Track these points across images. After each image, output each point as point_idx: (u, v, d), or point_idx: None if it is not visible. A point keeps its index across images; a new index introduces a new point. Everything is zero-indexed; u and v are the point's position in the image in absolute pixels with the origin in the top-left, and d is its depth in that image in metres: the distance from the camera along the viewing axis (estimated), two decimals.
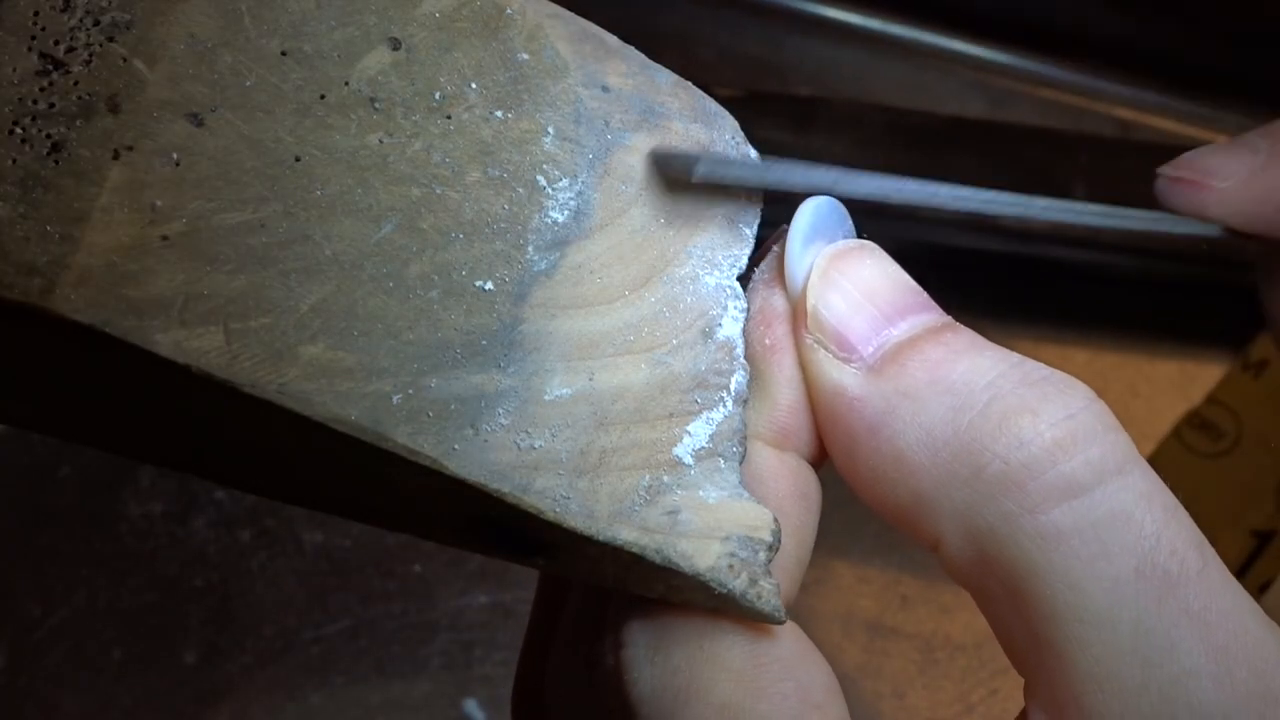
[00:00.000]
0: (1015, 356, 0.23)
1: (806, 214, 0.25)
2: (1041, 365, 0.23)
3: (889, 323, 0.24)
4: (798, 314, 0.25)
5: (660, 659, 0.23)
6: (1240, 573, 0.52)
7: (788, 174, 0.25)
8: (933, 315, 0.24)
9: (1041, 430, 0.22)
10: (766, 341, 0.25)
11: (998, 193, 0.26)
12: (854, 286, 0.24)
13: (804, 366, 0.25)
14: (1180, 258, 0.60)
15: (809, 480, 0.25)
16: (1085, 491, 0.22)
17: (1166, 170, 0.33)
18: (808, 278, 0.25)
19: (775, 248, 0.26)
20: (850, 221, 0.26)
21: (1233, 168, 0.32)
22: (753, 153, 0.26)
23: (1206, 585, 0.21)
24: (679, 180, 0.25)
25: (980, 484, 0.22)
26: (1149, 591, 0.21)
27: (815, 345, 0.24)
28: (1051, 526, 0.22)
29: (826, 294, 0.24)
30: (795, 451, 0.25)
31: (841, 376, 0.24)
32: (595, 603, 0.25)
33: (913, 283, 0.25)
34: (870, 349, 0.24)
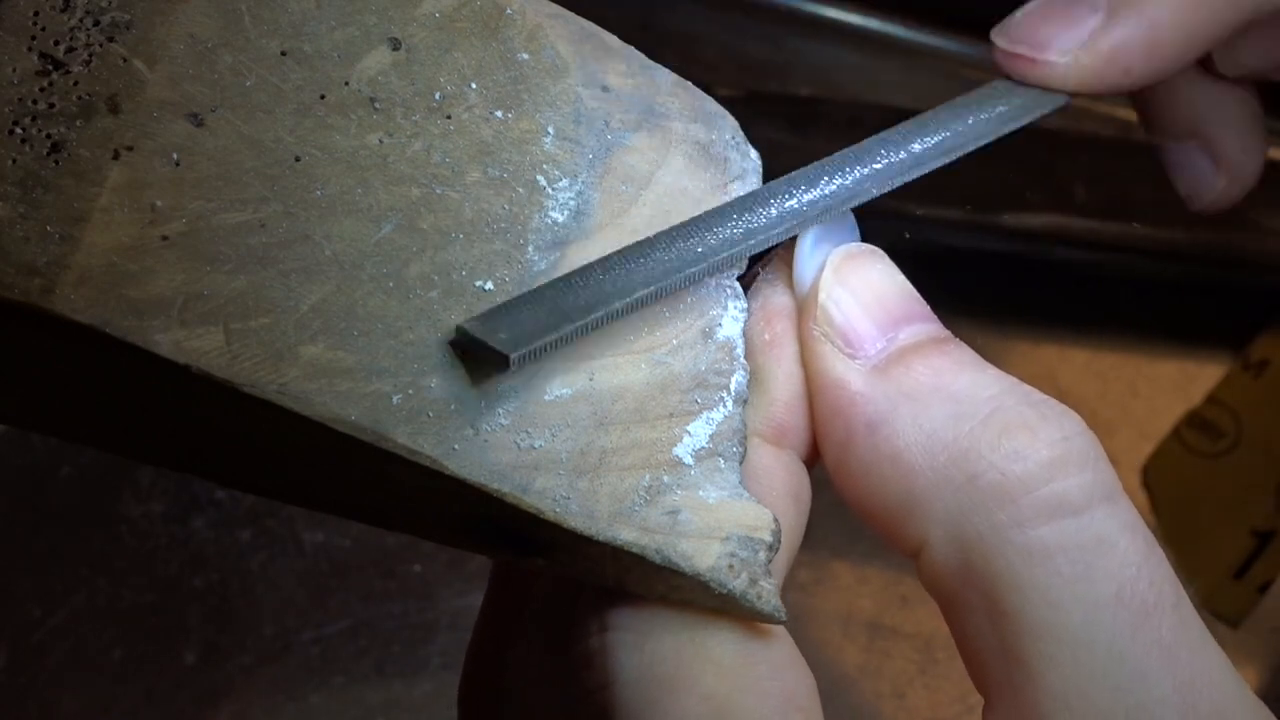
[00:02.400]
0: (1011, 378, 0.24)
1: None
2: (1036, 390, 0.24)
3: (895, 326, 0.24)
4: (804, 309, 0.25)
5: (650, 646, 0.23)
6: (1240, 573, 0.52)
7: (597, 300, 0.22)
8: (935, 326, 0.25)
9: (1039, 447, 0.22)
10: (766, 337, 0.25)
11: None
12: (865, 287, 0.25)
13: (807, 359, 0.25)
14: (1181, 258, 0.60)
15: (802, 480, 0.25)
16: (1075, 513, 0.22)
17: (1000, 43, 0.31)
18: (818, 275, 0.25)
19: (780, 250, 0.26)
20: (857, 228, 0.27)
21: (1070, 36, 0.30)
22: (753, 153, 0.26)
23: (1180, 620, 0.22)
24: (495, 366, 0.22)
25: (974, 491, 0.22)
26: (1126, 618, 0.22)
27: (821, 338, 0.24)
28: (1039, 542, 0.22)
29: (837, 291, 0.25)
30: (791, 449, 0.25)
31: (846, 371, 0.24)
32: (573, 587, 0.25)
33: (917, 293, 0.25)
34: (876, 349, 0.24)
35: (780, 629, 0.24)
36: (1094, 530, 0.22)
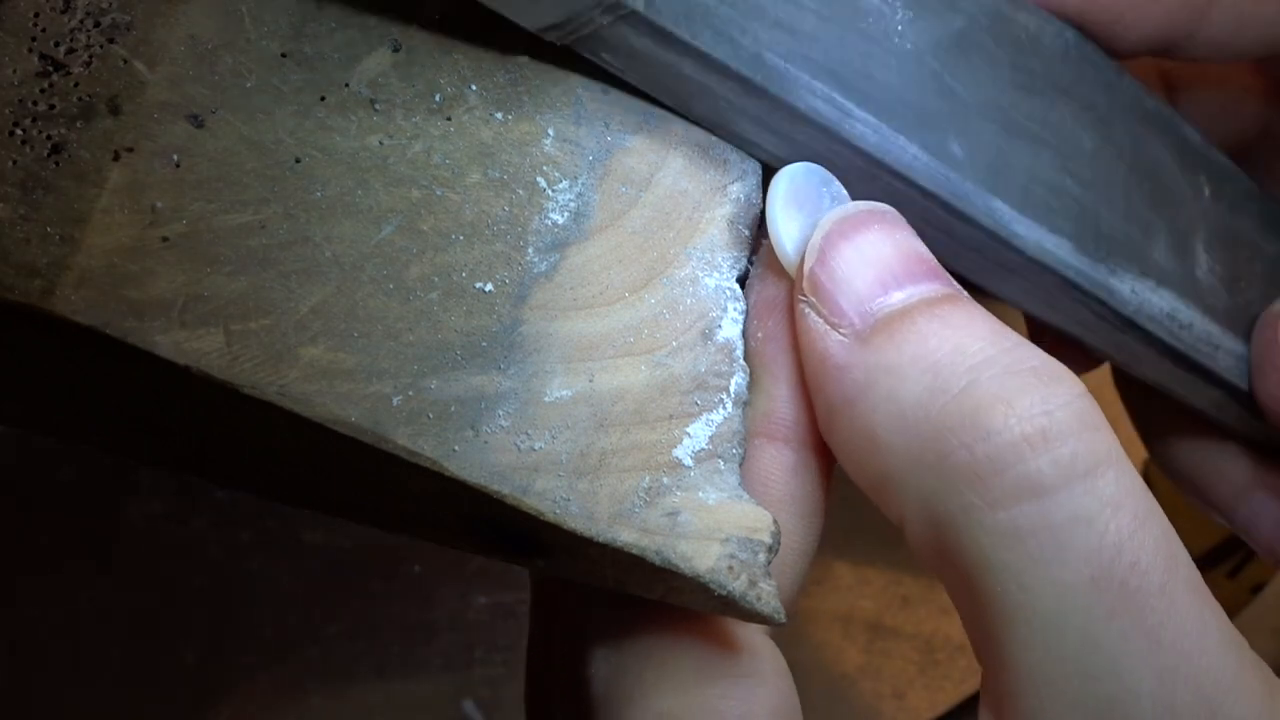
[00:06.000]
0: (1010, 339, 0.22)
1: (783, 182, 0.25)
2: (1035, 352, 0.22)
3: (885, 290, 0.23)
4: (795, 280, 0.24)
5: (615, 659, 0.23)
6: (1234, 573, 0.52)
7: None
8: (936, 284, 0.23)
9: (1011, 424, 0.21)
10: (760, 335, 0.25)
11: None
12: (855, 250, 0.23)
13: (796, 331, 0.24)
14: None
15: (806, 478, 0.25)
16: (1047, 493, 0.21)
17: None
18: (807, 241, 0.24)
19: (766, 240, 0.25)
20: (837, 183, 0.25)
21: None
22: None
23: (1166, 603, 0.21)
24: None
25: (944, 472, 0.21)
26: (1101, 603, 0.20)
27: (807, 310, 0.23)
28: (1010, 524, 0.21)
29: (824, 256, 0.23)
30: (792, 447, 0.25)
31: (827, 344, 0.23)
32: (588, 594, 0.25)
33: (922, 250, 0.24)
34: (861, 316, 0.23)
35: (765, 642, 0.24)
36: (1070, 509, 0.21)
